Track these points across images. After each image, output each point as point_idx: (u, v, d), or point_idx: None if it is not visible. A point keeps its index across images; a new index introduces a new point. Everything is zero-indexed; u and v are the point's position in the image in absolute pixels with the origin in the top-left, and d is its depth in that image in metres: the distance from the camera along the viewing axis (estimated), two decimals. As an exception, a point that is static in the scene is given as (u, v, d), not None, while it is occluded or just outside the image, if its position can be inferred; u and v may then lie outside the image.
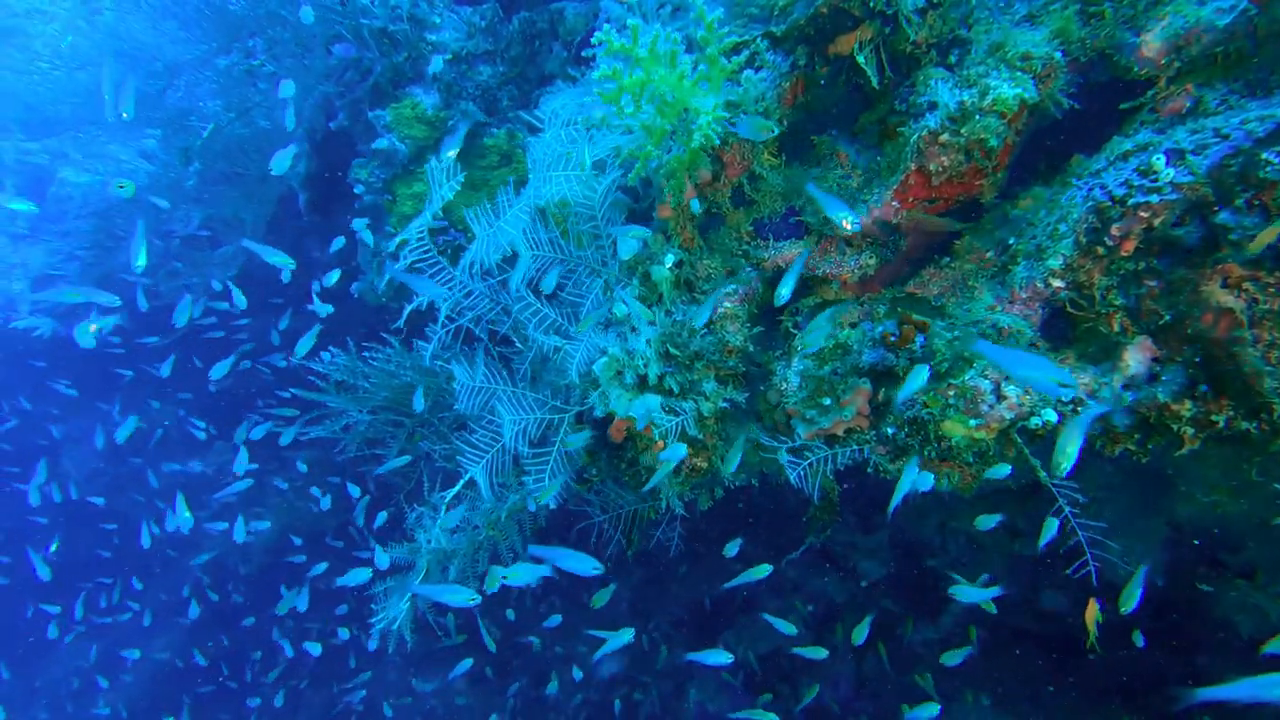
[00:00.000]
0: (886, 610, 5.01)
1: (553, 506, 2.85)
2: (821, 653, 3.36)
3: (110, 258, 5.68)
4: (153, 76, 4.43)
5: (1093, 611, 2.60)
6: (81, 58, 5.39)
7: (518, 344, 3.02)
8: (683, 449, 2.49)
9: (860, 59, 2.38)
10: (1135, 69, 2.20)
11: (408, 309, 2.90)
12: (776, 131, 2.25)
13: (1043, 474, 2.27)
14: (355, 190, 4.07)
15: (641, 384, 2.61)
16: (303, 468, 5.83)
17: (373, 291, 4.21)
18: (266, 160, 4.57)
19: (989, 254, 2.43)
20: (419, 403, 3.33)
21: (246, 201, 4.75)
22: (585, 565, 2.52)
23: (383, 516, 4.31)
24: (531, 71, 4.08)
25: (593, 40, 2.19)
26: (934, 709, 3.08)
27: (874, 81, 2.40)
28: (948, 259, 2.49)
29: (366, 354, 3.71)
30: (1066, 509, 2.26)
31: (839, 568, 5.29)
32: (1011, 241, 2.37)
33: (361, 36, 3.86)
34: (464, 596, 2.61)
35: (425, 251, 2.90)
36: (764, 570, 2.93)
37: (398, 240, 2.91)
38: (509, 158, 3.90)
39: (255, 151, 4.61)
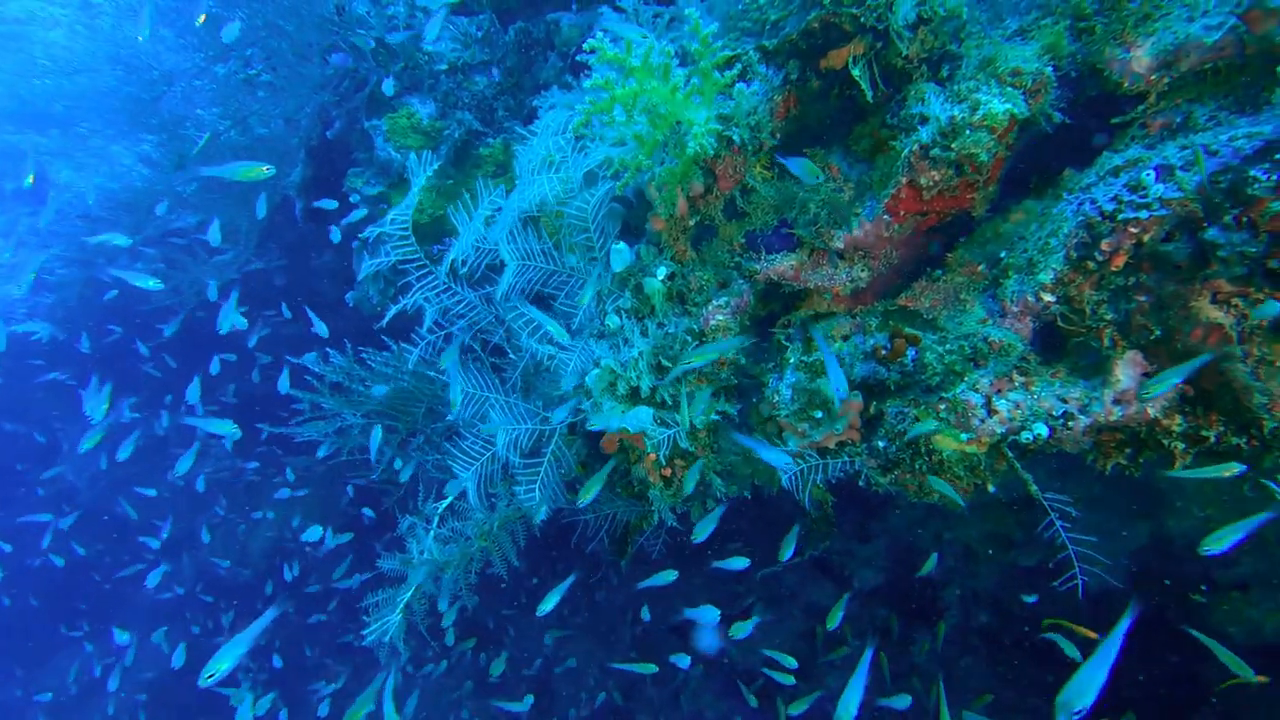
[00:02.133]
0: (882, 618, 5.02)
1: (543, 517, 2.84)
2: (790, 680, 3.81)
3: (100, 261, 5.69)
4: (150, 84, 4.44)
5: (1080, 627, 2.60)
6: (78, 62, 5.41)
7: (510, 354, 3.02)
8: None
9: (855, 73, 2.38)
10: (1126, 84, 2.21)
11: (392, 310, 2.89)
12: (823, 178, 2.25)
13: (1034, 488, 2.26)
14: (351, 199, 4.07)
15: (634, 396, 2.61)
16: (290, 475, 5.83)
17: (367, 301, 4.21)
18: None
19: (980, 267, 2.43)
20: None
21: (243, 209, 4.74)
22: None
23: (369, 513, 4.31)
24: (527, 81, 4.08)
25: (585, 46, 2.18)
26: (906, 699, 3.20)
27: (869, 96, 2.39)
28: (940, 272, 2.49)
29: (364, 357, 3.71)
30: (1058, 523, 2.25)
31: (835, 577, 5.29)
32: (1003, 255, 2.37)
33: (358, 47, 3.86)
34: None
35: (412, 253, 2.87)
36: (743, 562, 3.26)
37: (376, 232, 2.86)
38: (505, 167, 3.90)
39: (252, 159, 4.61)
